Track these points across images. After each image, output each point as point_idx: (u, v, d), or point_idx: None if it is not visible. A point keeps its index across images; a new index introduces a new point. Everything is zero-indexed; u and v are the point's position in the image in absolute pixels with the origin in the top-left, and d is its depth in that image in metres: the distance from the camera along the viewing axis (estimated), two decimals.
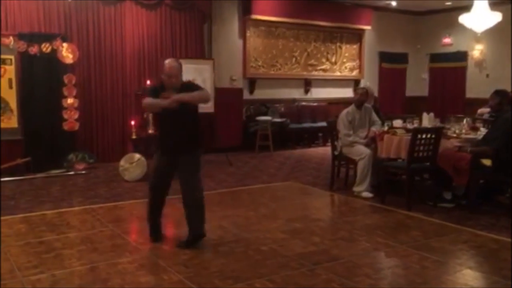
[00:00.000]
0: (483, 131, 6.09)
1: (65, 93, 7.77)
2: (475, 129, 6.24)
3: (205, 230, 4.32)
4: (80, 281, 3.54)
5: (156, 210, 4.42)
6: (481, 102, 8.58)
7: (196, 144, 4.33)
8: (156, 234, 4.44)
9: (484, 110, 7.64)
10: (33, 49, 7.49)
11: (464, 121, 6.43)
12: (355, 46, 12.10)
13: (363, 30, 11.98)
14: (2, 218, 5.14)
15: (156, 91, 4.19)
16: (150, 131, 7.52)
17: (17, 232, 4.69)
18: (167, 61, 4.20)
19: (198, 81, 8.68)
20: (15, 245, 4.30)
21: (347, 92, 11.69)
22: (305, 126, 10.80)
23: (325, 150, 9.91)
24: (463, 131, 6.12)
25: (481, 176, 5.34)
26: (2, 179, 6.93)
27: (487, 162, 5.25)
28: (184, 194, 4.28)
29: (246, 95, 10.34)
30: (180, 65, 4.22)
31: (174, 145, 4.23)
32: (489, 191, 5.75)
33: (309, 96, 11.39)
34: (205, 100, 4.30)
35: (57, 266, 3.80)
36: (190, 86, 4.32)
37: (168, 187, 4.39)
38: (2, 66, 7.33)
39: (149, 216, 4.46)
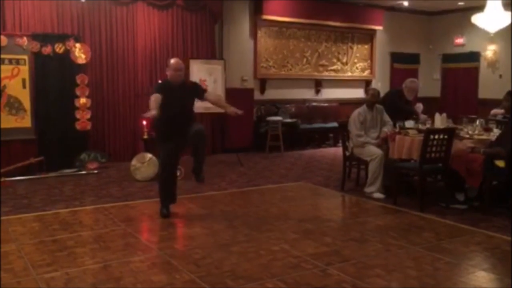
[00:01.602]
0: (496, 132, 6.04)
1: (78, 93, 7.83)
2: (488, 130, 6.18)
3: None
4: (93, 279, 3.56)
5: (169, 185, 5.23)
6: (494, 103, 8.52)
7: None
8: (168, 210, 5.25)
9: (498, 111, 7.58)
10: (47, 50, 7.56)
11: (477, 122, 6.37)
12: (366, 47, 12.05)
13: (374, 30, 11.93)
14: (16, 216, 5.21)
15: (162, 88, 5.08)
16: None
17: (31, 230, 4.75)
18: (172, 59, 5.17)
19: (209, 82, 8.78)
20: (29, 243, 4.34)
21: (358, 93, 11.66)
22: (315, 127, 10.78)
23: (336, 151, 9.90)
24: (476, 132, 6.07)
25: (494, 177, 5.29)
26: (16, 179, 7.02)
27: (500, 163, 5.19)
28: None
29: (256, 96, 10.34)
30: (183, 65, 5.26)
31: (180, 130, 5.05)
32: (503, 193, 5.69)
33: (320, 96, 11.37)
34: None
35: (71, 264, 3.84)
36: (187, 83, 5.38)
37: (177, 163, 5.40)
38: (16, 66, 7.41)
39: (163, 193, 5.24)
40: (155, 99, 4.84)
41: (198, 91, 5.24)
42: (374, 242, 4.42)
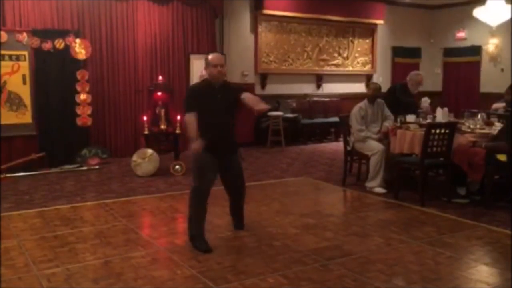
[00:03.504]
0: (498, 126, 6.01)
1: (78, 88, 7.81)
2: (490, 124, 6.16)
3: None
4: (94, 275, 3.57)
5: (203, 213, 4.18)
6: (496, 97, 8.48)
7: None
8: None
9: (499, 105, 7.54)
10: (47, 45, 7.55)
11: (479, 116, 6.35)
12: (367, 41, 12.00)
13: (375, 24, 11.87)
14: (17, 212, 5.22)
15: (197, 93, 4.18)
16: (162, 127, 7.54)
17: (32, 226, 4.75)
18: (211, 54, 4.27)
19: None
20: (30, 239, 4.35)
21: (360, 87, 11.63)
22: (317, 122, 10.77)
23: (337, 146, 9.88)
24: (478, 126, 6.05)
25: (496, 171, 5.28)
26: (17, 174, 7.02)
27: (502, 157, 5.18)
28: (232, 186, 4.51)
29: (257, 91, 10.30)
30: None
31: (223, 144, 4.23)
32: (504, 187, 5.67)
33: (321, 91, 11.34)
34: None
35: (72, 260, 3.84)
36: (229, 85, 4.32)
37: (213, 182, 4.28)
38: (16, 62, 7.39)
39: (197, 225, 4.16)
40: (190, 122, 4.00)
41: (236, 91, 4.23)
42: (376, 237, 4.41)
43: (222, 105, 4.13)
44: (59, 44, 7.63)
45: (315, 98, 11.09)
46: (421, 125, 5.91)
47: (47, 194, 6.07)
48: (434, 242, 4.26)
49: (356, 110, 6.29)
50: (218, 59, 4.16)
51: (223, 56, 4.36)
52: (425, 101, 6.75)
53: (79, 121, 7.85)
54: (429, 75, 12.72)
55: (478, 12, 8.90)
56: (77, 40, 7.77)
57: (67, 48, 7.70)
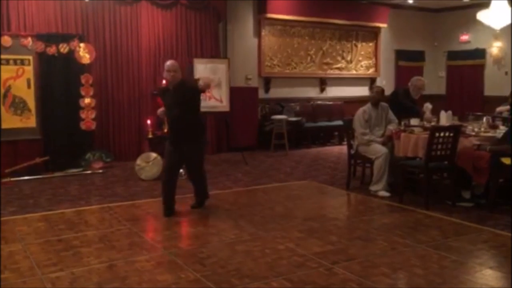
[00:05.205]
0: (502, 129, 6.00)
1: (82, 92, 7.84)
2: (494, 127, 6.14)
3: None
4: (99, 278, 3.57)
5: (168, 190, 5.24)
6: (500, 100, 8.46)
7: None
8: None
9: (503, 108, 7.53)
10: (51, 50, 7.58)
11: (483, 119, 6.33)
12: (371, 44, 12.01)
13: (379, 28, 11.89)
14: (22, 216, 5.23)
15: (162, 92, 5.46)
16: (166, 130, 7.55)
17: (37, 230, 4.76)
18: (167, 61, 5.19)
19: (213, 80, 8.76)
20: (35, 243, 4.36)
21: (363, 91, 11.62)
22: (320, 125, 10.76)
23: (341, 149, 9.87)
24: (482, 129, 6.03)
25: (501, 175, 5.25)
26: (22, 178, 7.04)
27: (506, 160, 5.16)
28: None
29: (261, 94, 10.33)
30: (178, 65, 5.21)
31: (182, 137, 5.13)
32: (509, 190, 5.65)
33: (324, 95, 11.34)
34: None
35: (76, 264, 3.84)
36: (184, 83, 5.20)
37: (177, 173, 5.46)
38: (20, 66, 7.42)
39: (163, 195, 5.31)
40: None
41: (197, 88, 5.09)
42: (380, 241, 4.40)
43: (175, 105, 5.03)
44: (64, 48, 7.67)
45: (319, 102, 11.09)
46: (425, 129, 5.90)
47: (51, 198, 6.08)
48: (439, 246, 4.24)
49: (360, 113, 6.29)
50: (171, 66, 5.04)
51: (176, 63, 5.15)
52: (427, 108, 6.73)
53: (83, 125, 7.87)
54: (433, 78, 12.72)
55: (482, 15, 8.88)
56: (81, 45, 7.80)
57: (71, 52, 7.73)
